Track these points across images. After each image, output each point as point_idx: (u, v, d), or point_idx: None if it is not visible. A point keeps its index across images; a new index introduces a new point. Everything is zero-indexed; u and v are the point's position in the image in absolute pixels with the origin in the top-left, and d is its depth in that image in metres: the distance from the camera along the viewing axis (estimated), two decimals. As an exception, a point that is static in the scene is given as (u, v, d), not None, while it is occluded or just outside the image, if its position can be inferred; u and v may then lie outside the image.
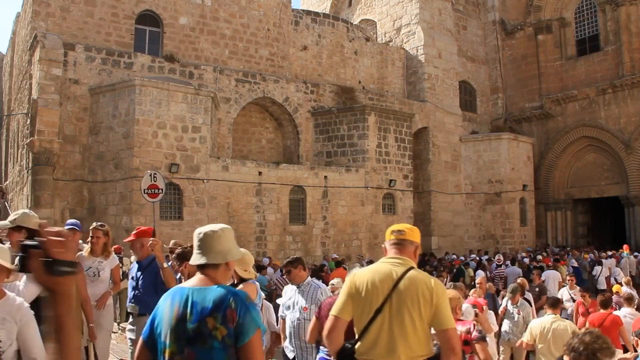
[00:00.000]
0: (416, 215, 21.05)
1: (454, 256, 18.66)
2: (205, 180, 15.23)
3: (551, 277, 12.06)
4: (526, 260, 16.62)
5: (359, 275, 2.90)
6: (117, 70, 15.93)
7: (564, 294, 9.56)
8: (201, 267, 2.42)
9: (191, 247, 5.48)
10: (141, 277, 5.06)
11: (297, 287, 5.10)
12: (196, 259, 2.42)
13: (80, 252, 5.40)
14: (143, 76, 15.42)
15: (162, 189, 9.71)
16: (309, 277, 5.19)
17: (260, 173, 16.67)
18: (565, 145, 24.56)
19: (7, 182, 22.59)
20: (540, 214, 24.75)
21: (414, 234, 3.01)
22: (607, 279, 14.98)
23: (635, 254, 18.45)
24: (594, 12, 24.28)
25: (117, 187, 14.46)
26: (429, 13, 23.72)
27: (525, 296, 8.17)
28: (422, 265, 17.42)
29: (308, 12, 22.06)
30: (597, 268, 15.59)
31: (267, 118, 20.02)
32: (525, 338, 5.91)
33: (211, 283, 2.35)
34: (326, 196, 17.94)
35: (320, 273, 12.44)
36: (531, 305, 7.96)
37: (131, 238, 5.22)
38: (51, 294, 1.20)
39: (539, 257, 16.77)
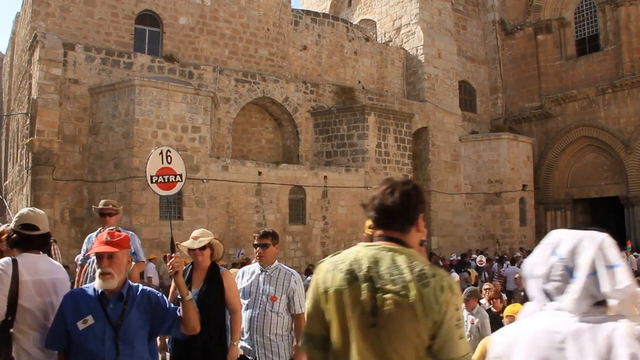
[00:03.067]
0: (416, 215, 21.02)
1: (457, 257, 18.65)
2: (205, 180, 15.23)
3: (551, 277, 12.06)
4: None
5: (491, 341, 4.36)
6: (117, 70, 15.93)
7: None
8: None
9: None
10: (122, 316, 2.91)
11: (262, 271, 4.24)
12: None
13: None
14: (143, 76, 15.42)
15: (181, 175, 5.65)
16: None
17: (260, 173, 16.67)
18: (565, 145, 24.57)
19: (7, 182, 22.58)
20: (540, 213, 24.76)
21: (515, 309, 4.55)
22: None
23: (636, 254, 18.46)
24: (593, 12, 24.29)
25: (116, 187, 14.46)
26: (428, 13, 23.73)
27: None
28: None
29: (308, 12, 22.06)
30: None
31: (266, 118, 20.03)
32: None
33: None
34: (326, 196, 17.94)
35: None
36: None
37: (105, 249, 2.94)
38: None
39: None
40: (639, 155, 22.28)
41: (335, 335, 1.93)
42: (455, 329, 1.84)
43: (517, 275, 10.78)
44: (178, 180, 5.53)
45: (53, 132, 14.60)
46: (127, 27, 17.31)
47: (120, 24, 17.17)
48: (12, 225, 3.39)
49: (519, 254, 18.74)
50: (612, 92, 23.07)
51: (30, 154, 14.82)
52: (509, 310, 4.79)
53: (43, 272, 3.17)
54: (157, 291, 3.15)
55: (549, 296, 1.61)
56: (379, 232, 2.02)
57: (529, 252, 17.29)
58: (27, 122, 15.69)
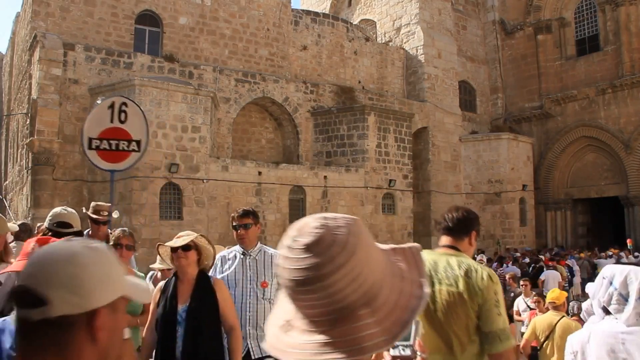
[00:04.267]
0: (416, 215, 21.05)
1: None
2: (205, 180, 15.24)
3: (551, 277, 12.07)
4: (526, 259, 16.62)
5: (539, 322, 5.42)
6: (117, 70, 15.92)
7: (519, 303, 8.24)
8: None
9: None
10: None
11: (246, 254, 3.81)
12: None
13: None
14: (143, 76, 15.42)
15: (138, 142, 3.79)
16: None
17: (260, 173, 16.67)
18: (565, 145, 24.56)
19: (7, 182, 22.58)
20: (540, 213, 24.75)
21: (559, 299, 5.52)
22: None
23: (636, 254, 18.44)
24: (593, 12, 24.28)
25: (116, 187, 14.44)
26: (428, 13, 23.72)
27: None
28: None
29: (308, 12, 22.06)
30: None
31: (266, 118, 20.02)
32: None
33: None
34: (326, 196, 17.94)
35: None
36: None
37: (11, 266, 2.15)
38: None
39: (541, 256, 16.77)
40: (639, 155, 22.27)
41: None
42: (494, 308, 2.45)
43: (507, 276, 10.65)
44: (133, 150, 3.56)
45: (53, 132, 14.60)
46: (127, 27, 17.30)
47: (120, 24, 17.17)
48: (46, 224, 3.43)
49: (518, 254, 18.75)
50: (612, 92, 23.06)
51: (30, 154, 14.82)
52: (550, 297, 5.64)
53: None
54: None
55: (606, 312, 2.28)
56: (440, 241, 2.74)
57: (528, 252, 17.27)
58: (27, 122, 15.68)
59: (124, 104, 3.41)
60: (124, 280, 1.04)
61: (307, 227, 0.90)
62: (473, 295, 2.45)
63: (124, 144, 3.51)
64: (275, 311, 0.99)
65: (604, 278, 2.28)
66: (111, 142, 3.46)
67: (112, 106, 3.38)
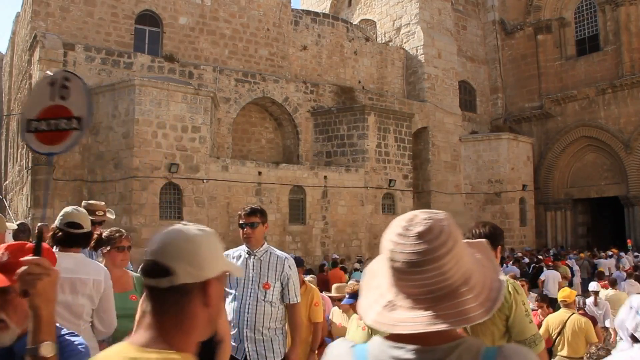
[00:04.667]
0: (416, 215, 21.03)
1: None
2: (205, 180, 15.23)
3: (551, 277, 12.07)
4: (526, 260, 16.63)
5: (551, 320, 5.78)
6: (117, 70, 15.93)
7: None
8: None
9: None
10: None
11: (251, 254, 3.67)
12: None
13: None
14: (143, 76, 15.42)
15: (79, 119, 2.42)
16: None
17: (260, 173, 16.67)
18: (565, 145, 24.57)
19: (7, 182, 22.58)
20: (540, 213, 24.76)
21: (570, 297, 5.95)
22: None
23: (636, 254, 18.45)
24: (593, 12, 24.29)
25: (116, 187, 14.46)
26: (428, 13, 23.73)
27: None
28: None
29: (308, 12, 22.06)
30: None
31: (266, 118, 20.03)
32: None
33: None
34: (326, 196, 17.94)
35: (320, 273, 12.46)
36: None
37: None
38: None
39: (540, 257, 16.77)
40: (639, 155, 22.27)
41: None
42: (525, 317, 2.69)
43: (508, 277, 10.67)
44: (73, 128, 2.94)
45: (53, 132, 14.58)
46: (127, 27, 17.31)
47: (120, 24, 17.17)
48: (57, 223, 3.42)
49: (519, 254, 18.75)
50: (612, 92, 23.07)
51: (30, 154, 14.81)
52: (561, 295, 5.99)
53: (63, 270, 2.90)
54: (83, 344, 1.73)
55: (634, 339, 2.31)
56: None
57: (528, 252, 17.29)
58: (27, 122, 15.65)
59: (66, 78, 2.86)
60: (225, 259, 1.28)
61: (417, 218, 1.10)
62: (501, 306, 2.61)
63: (63, 122, 2.90)
64: (369, 294, 1.15)
65: (631, 307, 2.31)
66: (50, 122, 2.88)
67: (54, 82, 2.82)
